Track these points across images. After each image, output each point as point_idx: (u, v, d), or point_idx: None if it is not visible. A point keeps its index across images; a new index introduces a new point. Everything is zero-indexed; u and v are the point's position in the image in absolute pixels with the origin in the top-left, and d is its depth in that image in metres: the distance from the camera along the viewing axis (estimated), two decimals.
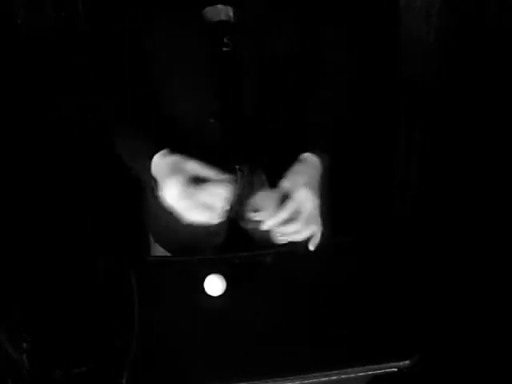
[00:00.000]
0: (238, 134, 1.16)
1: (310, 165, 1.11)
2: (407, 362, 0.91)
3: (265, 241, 1.20)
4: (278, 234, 1.07)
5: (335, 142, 1.20)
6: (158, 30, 1.09)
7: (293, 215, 1.03)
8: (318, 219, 1.07)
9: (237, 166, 1.22)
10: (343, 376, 0.90)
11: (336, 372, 0.90)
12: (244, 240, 1.25)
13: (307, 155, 1.12)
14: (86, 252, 1.75)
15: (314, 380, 0.90)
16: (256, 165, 1.21)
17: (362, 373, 0.91)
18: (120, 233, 1.75)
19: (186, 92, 1.14)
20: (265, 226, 1.04)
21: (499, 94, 1.75)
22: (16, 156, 1.61)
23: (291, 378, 0.89)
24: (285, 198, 1.05)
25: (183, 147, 1.12)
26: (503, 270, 1.83)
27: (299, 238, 1.06)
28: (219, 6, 1.08)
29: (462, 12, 1.71)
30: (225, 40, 1.10)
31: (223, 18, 1.09)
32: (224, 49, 1.10)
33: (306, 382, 0.90)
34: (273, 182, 1.16)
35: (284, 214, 1.03)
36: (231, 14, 1.08)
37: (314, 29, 1.15)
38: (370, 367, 0.91)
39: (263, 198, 1.05)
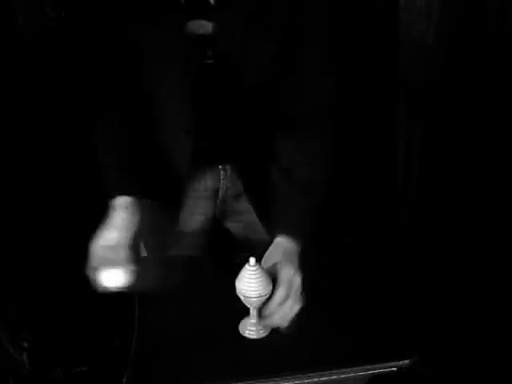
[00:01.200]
0: (220, 137, 1.19)
1: (283, 247, 1.06)
2: (407, 361, 0.91)
3: (247, 241, 1.22)
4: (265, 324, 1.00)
5: (335, 142, 1.20)
6: (136, 39, 1.11)
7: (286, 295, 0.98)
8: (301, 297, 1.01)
9: (220, 166, 1.24)
10: (343, 376, 0.90)
11: (336, 372, 0.90)
12: (227, 239, 1.25)
13: (279, 240, 1.07)
14: (87, 252, 1.75)
15: (314, 379, 0.90)
16: (238, 165, 1.23)
17: (361, 372, 0.91)
18: None
19: (168, 102, 1.16)
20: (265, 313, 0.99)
21: (499, 94, 1.75)
22: (16, 156, 1.61)
23: (291, 377, 0.90)
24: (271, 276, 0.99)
25: (167, 149, 1.17)
26: (503, 270, 1.83)
27: (290, 316, 0.99)
28: (202, 21, 1.10)
29: (462, 12, 1.71)
30: (208, 53, 1.12)
31: (205, 32, 1.10)
32: (207, 61, 1.12)
33: (306, 381, 0.90)
34: (253, 181, 1.20)
35: (281, 294, 0.98)
36: (210, 29, 1.10)
37: (296, 38, 1.16)
38: (369, 367, 0.91)
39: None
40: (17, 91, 1.57)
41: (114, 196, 1.07)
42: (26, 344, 1.65)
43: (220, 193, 1.27)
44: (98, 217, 1.68)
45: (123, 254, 0.99)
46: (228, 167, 1.25)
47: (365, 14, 1.75)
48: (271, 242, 1.07)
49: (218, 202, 1.29)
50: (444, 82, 1.78)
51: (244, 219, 1.29)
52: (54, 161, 1.67)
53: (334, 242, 1.19)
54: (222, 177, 1.26)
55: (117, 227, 1.03)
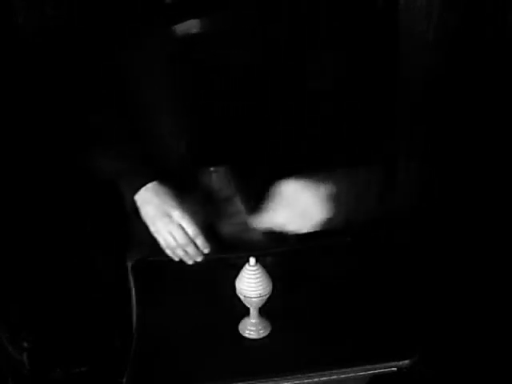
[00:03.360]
0: (213, 138, 1.19)
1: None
2: (407, 361, 0.91)
3: (238, 243, 1.21)
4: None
5: (335, 142, 1.21)
6: (126, 45, 1.12)
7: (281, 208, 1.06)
8: (315, 211, 1.08)
9: (212, 168, 1.24)
10: (343, 376, 0.90)
11: (336, 372, 0.90)
12: (220, 242, 1.24)
13: None
14: (86, 252, 1.75)
15: (314, 380, 0.90)
16: (231, 166, 1.23)
17: (361, 372, 0.91)
18: (120, 233, 1.75)
19: (161, 106, 1.17)
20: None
21: (499, 93, 1.75)
22: (16, 156, 1.61)
23: (291, 377, 0.90)
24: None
25: (159, 153, 1.18)
26: (504, 270, 1.83)
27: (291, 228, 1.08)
28: (190, 21, 1.11)
29: (462, 12, 1.71)
30: (196, 49, 1.12)
31: (195, 31, 1.11)
32: (196, 57, 1.13)
33: (305, 381, 0.90)
34: (247, 182, 1.21)
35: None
36: (201, 25, 1.11)
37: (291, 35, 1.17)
38: (369, 367, 0.91)
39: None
40: (17, 91, 1.57)
41: (137, 188, 1.13)
42: (25, 344, 1.65)
43: (211, 195, 1.27)
44: (97, 217, 1.69)
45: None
46: (221, 169, 1.24)
47: (365, 14, 1.75)
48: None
49: (209, 204, 1.28)
50: (444, 82, 1.78)
51: (235, 221, 1.28)
52: (53, 160, 1.66)
53: (333, 241, 1.18)
54: (214, 178, 1.25)
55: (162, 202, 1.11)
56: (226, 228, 1.26)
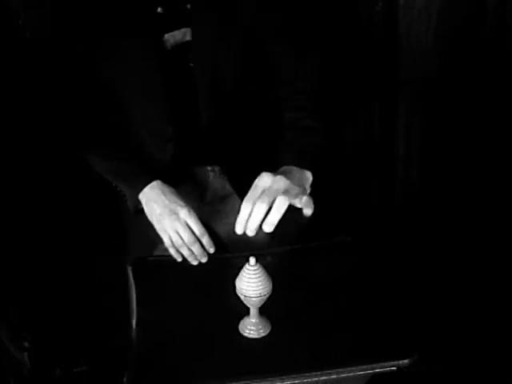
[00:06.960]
0: (209, 138, 1.20)
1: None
2: (406, 361, 0.91)
3: (235, 242, 1.21)
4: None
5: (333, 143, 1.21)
6: (116, 54, 1.12)
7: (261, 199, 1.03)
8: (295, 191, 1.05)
9: (209, 167, 1.25)
10: (343, 375, 0.90)
11: (336, 371, 0.90)
12: (218, 242, 1.25)
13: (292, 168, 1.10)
14: (86, 252, 1.75)
15: (314, 379, 0.90)
16: (227, 165, 1.24)
17: (361, 372, 0.91)
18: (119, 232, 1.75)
19: (146, 114, 1.18)
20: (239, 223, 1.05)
21: (498, 92, 1.75)
22: (16, 156, 1.61)
23: (291, 377, 0.90)
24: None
25: (153, 155, 1.20)
26: (503, 270, 1.83)
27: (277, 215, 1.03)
28: (183, 29, 1.12)
29: (461, 12, 1.71)
30: (189, 56, 1.14)
31: (189, 38, 1.13)
32: (190, 64, 1.14)
33: (305, 381, 0.90)
34: (243, 182, 1.18)
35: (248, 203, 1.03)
36: (189, 34, 1.12)
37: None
38: (369, 366, 0.91)
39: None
40: (17, 92, 1.57)
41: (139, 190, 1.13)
42: (26, 344, 1.65)
43: (208, 194, 1.26)
44: (97, 217, 1.69)
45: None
46: (217, 168, 1.24)
47: (365, 15, 1.76)
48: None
49: (206, 203, 1.28)
50: (443, 81, 1.78)
51: (231, 221, 1.27)
52: (53, 161, 1.67)
53: (333, 241, 1.18)
54: (210, 178, 1.25)
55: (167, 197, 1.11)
56: (223, 227, 1.26)
